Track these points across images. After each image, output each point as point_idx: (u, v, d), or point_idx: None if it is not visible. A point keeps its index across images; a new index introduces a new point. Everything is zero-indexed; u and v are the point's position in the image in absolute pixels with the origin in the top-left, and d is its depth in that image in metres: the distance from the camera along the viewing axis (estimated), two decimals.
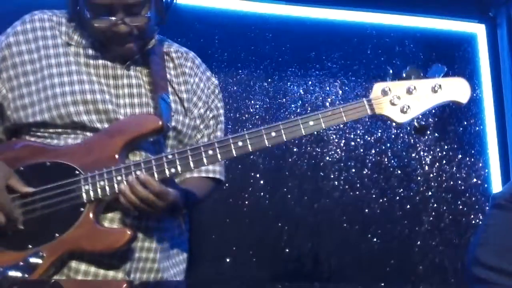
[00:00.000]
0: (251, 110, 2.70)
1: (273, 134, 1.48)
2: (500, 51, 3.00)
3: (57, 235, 1.43)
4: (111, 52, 1.60)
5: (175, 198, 1.50)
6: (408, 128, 2.85)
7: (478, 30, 3.04)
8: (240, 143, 1.49)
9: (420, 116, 1.51)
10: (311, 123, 1.48)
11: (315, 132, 2.73)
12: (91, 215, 1.45)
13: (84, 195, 1.45)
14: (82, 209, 1.45)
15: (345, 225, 2.67)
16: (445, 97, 1.49)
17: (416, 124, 1.52)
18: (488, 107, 2.96)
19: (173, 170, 1.47)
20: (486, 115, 2.95)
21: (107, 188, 1.45)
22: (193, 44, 2.62)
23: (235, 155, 1.49)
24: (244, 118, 2.67)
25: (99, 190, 1.45)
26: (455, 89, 1.49)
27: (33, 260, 1.40)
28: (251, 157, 2.64)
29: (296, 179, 2.66)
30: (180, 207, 1.57)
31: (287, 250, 2.59)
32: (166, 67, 1.71)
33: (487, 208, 2.82)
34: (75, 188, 1.46)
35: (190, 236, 1.75)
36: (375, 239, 2.67)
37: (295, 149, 2.70)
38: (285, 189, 2.64)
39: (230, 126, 2.59)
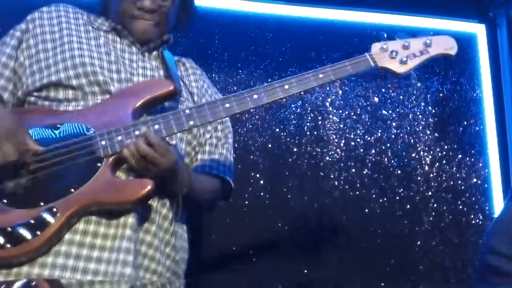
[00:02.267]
0: (251, 110, 2.69)
1: (286, 86, 1.56)
2: (500, 51, 3.00)
3: (72, 190, 1.39)
4: (130, 37, 1.68)
5: (175, 157, 1.49)
6: (409, 128, 2.85)
7: (478, 30, 3.04)
8: (255, 96, 1.54)
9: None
10: (320, 75, 1.59)
11: (315, 133, 2.74)
12: (108, 169, 1.43)
13: (101, 150, 1.44)
14: (99, 164, 1.44)
15: (345, 224, 2.67)
16: (437, 51, 1.66)
17: (414, 80, 1.71)
18: (488, 107, 2.96)
19: (191, 122, 1.50)
20: (486, 115, 2.95)
21: (125, 142, 1.45)
22: (193, 44, 2.64)
23: (251, 106, 1.54)
24: (244, 118, 2.68)
25: (116, 144, 1.45)
26: (444, 44, 1.67)
27: (45, 217, 1.35)
28: (251, 156, 2.64)
29: (296, 179, 2.66)
30: (181, 179, 1.55)
31: (287, 250, 2.59)
32: (178, 69, 1.77)
33: (486, 207, 2.83)
34: (91, 144, 1.45)
35: (190, 236, 1.75)
36: (375, 239, 2.67)
37: (295, 149, 2.70)
38: (285, 189, 2.64)
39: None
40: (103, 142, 1.45)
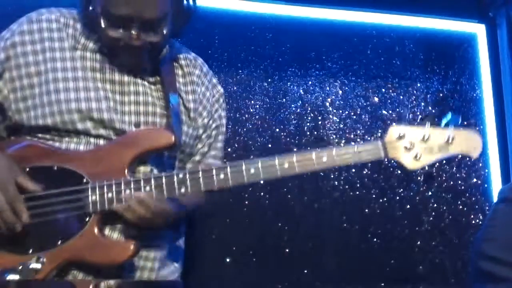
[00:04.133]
0: (251, 110, 2.69)
1: (286, 165, 1.48)
2: (500, 51, 3.00)
3: (59, 243, 1.42)
4: (119, 59, 1.57)
5: (173, 215, 1.50)
6: None
7: (478, 30, 3.04)
8: (252, 170, 1.47)
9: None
10: (324, 159, 1.49)
11: (315, 133, 2.74)
12: (95, 226, 1.44)
13: (90, 206, 1.44)
14: (87, 219, 1.44)
15: (345, 225, 2.67)
16: (457, 149, 1.51)
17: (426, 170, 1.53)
18: (488, 107, 2.96)
19: (183, 190, 1.46)
20: (486, 115, 2.95)
21: (114, 200, 1.44)
22: (193, 44, 2.62)
23: (246, 181, 1.47)
24: (244, 118, 2.67)
25: (106, 202, 1.43)
26: (468, 143, 1.51)
27: (33, 265, 1.38)
28: (251, 156, 2.63)
29: (296, 179, 2.66)
30: (178, 223, 1.58)
31: (287, 250, 2.59)
32: (175, 74, 1.68)
33: (486, 207, 2.83)
34: (82, 197, 1.44)
35: (190, 236, 1.75)
36: (375, 239, 2.67)
37: (295, 149, 2.69)
38: (285, 189, 2.64)
39: (230, 126, 2.58)
40: (93, 198, 1.44)
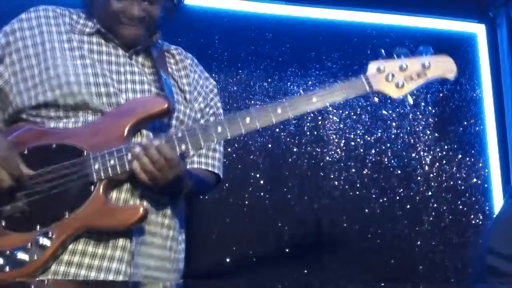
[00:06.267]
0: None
1: (279, 111, 1.52)
2: (500, 51, 3.00)
3: (67, 214, 1.42)
4: (116, 40, 1.64)
5: (182, 169, 1.51)
6: (408, 128, 2.85)
7: (478, 30, 3.04)
8: (247, 120, 1.51)
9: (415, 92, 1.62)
10: (314, 99, 1.54)
11: (315, 133, 2.74)
12: (102, 192, 1.45)
13: (94, 174, 1.45)
14: (92, 188, 1.45)
15: (345, 225, 2.67)
16: (435, 73, 1.60)
17: (409, 99, 1.62)
18: (488, 107, 2.96)
19: (183, 146, 1.49)
20: (486, 115, 2.95)
21: (117, 166, 1.45)
22: (193, 44, 2.63)
23: (243, 132, 1.52)
24: None
25: (109, 169, 1.45)
26: (443, 67, 1.61)
27: (41, 240, 1.39)
28: (251, 156, 2.64)
29: (296, 179, 2.66)
30: (183, 184, 1.57)
31: (287, 250, 2.59)
32: (167, 63, 1.75)
33: (486, 207, 2.83)
34: (84, 167, 1.45)
35: (190, 236, 1.75)
36: (375, 239, 2.67)
37: (295, 149, 2.70)
38: (285, 189, 2.64)
39: None
40: (96, 166, 1.45)
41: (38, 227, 1.41)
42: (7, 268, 1.37)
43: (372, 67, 1.60)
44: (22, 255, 1.38)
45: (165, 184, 1.48)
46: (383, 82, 1.58)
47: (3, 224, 1.42)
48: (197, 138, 1.50)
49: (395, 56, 1.60)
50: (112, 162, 1.45)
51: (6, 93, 1.59)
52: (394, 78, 1.58)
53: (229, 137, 1.53)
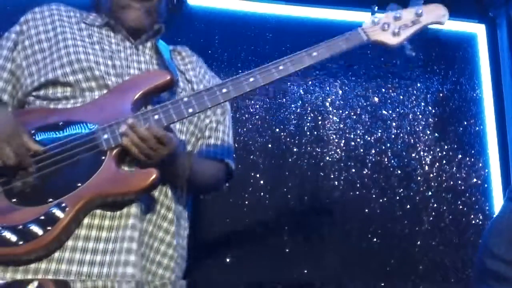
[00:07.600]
0: (251, 110, 2.70)
1: (281, 67, 1.58)
2: (500, 51, 3.00)
3: (79, 184, 1.41)
4: (124, 30, 1.70)
5: (176, 145, 1.52)
6: (408, 128, 2.85)
7: (478, 30, 3.04)
8: (251, 79, 1.55)
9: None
10: (314, 53, 1.60)
11: (315, 133, 2.74)
12: (113, 161, 1.45)
13: (104, 143, 1.46)
14: (103, 157, 1.46)
15: (345, 225, 2.67)
16: (428, 19, 1.66)
17: (408, 51, 1.69)
18: (488, 107, 2.96)
19: (190, 110, 1.51)
20: (486, 115, 2.95)
21: (123, 130, 1.46)
22: (193, 44, 2.61)
23: (247, 89, 1.55)
24: (244, 118, 2.68)
25: (119, 137, 1.46)
26: (436, 12, 1.67)
27: (55, 211, 1.37)
28: (251, 156, 2.64)
29: (296, 179, 2.66)
30: (178, 164, 1.58)
31: (287, 250, 2.59)
32: (174, 58, 1.79)
33: (486, 207, 2.83)
34: (93, 139, 1.47)
35: (190, 236, 1.75)
36: (375, 239, 2.67)
37: (295, 149, 2.70)
38: (285, 189, 2.64)
39: None
40: (105, 136, 1.47)
41: (50, 199, 1.40)
42: (21, 242, 1.34)
43: (367, 21, 1.65)
44: (35, 228, 1.36)
45: (158, 161, 1.48)
46: (379, 31, 1.63)
47: (15, 200, 1.41)
48: (204, 101, 1.52)
49: (387, 9, 1.66)
50: (121, 130, 1.47)
51: (18, 76, 1.64)
52: (390, 27, 1.63)
53: (234, 96, 1.55)
